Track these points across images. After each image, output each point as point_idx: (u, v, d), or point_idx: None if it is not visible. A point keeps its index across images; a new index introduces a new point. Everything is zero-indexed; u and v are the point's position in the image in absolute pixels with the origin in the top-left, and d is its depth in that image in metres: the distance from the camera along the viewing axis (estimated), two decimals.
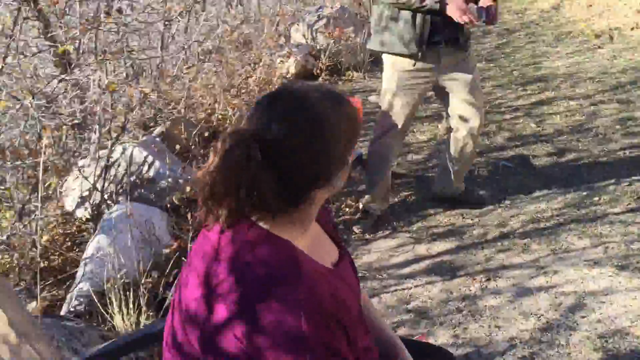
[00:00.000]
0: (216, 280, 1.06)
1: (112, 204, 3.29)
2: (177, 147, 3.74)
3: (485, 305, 2.62)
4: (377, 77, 6.08)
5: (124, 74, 3.91)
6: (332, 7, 6.19)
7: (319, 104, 1.08)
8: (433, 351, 1.52)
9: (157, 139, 3.83)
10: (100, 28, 3.34)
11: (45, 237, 3.37)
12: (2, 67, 2.84)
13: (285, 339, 0.99)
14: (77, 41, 3.54)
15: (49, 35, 3.69)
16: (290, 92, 1.10)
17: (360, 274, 2.90)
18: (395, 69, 3.04)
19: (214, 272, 1.07)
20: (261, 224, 1.09)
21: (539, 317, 2.51)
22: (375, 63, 6.34)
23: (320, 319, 1.02)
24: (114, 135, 3.41)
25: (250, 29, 5.44)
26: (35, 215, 3.08)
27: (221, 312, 1.03)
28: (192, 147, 4.02)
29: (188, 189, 3.35)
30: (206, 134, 4.10)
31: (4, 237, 2.63)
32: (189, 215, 3.16)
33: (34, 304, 2.82)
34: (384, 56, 3.09)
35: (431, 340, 2.40)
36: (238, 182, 1.02)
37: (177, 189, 3.41)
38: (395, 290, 2.79)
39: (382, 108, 3.17)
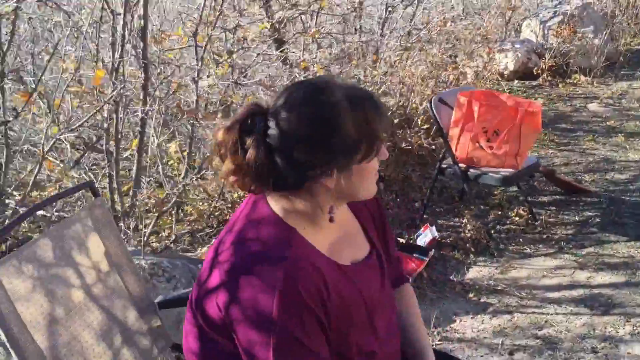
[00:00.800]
0: (222, 248, 1.15)
1: None
2: None
3: (629, 353, 2.29)
4: (607, 84, 5.49)
5: (329, 54, 4.14)
6: (569, 3, 5.71)
7: (333, 102, 1.07)
8: None
9: None
10: (303, 11, 3.59)
11: (236, 194, 3.81)
12: (210, 36, 3.25)
13: (256, 316, 1.04)
14: (287, 21, 3.86)
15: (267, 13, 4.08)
16: (313, 84, 1.13)
17: (499, 287, 2.75)
18: None
19: (223, 241, 1.16)
20: (274, 207, 1.15)
21: None
22: (610, 69, 5.72)
23: (293, 308, 1.04)
24: None
25: (470, 21, 5.30)
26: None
27: (214, 278, 1.12)
28: None
29: None
30: (396, 120, 4.15)
31: (179, 186, 3.03)
32: None
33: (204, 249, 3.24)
34: None
35: None
36: (235, 146, 1.09)
37: None
38: (532, 312, 2.58)
39: None
